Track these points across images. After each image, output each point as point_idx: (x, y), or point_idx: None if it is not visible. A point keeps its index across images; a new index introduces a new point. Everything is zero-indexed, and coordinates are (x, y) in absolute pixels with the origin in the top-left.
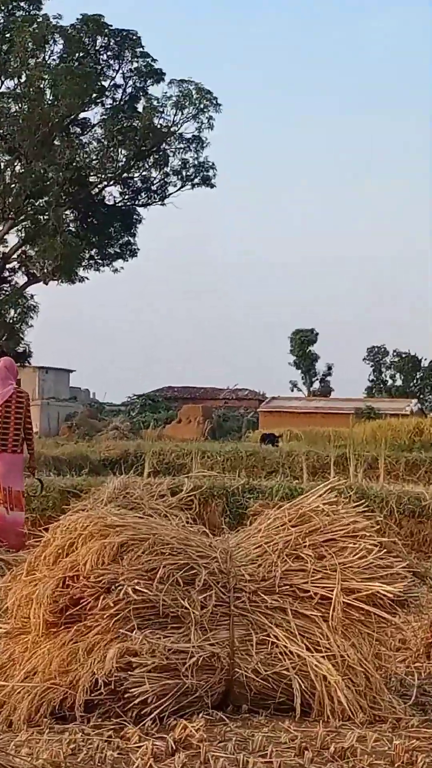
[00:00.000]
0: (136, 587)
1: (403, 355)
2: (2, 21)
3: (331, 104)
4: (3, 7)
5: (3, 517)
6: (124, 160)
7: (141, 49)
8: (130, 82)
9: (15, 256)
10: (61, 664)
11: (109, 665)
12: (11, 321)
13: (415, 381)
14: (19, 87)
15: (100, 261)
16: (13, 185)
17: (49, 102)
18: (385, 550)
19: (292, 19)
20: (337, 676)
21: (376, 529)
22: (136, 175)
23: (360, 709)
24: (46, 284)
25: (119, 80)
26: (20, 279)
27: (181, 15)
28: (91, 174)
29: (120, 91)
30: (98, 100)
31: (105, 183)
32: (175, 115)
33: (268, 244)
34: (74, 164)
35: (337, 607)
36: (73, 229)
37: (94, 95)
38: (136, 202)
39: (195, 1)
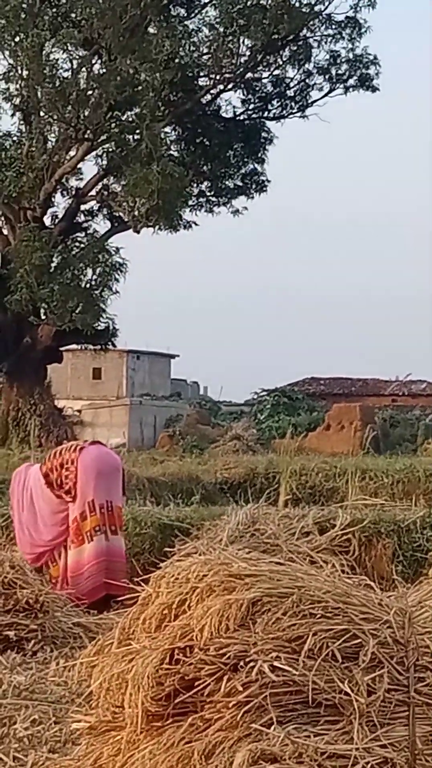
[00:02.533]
0: (275, 663)
1: None
2: None
3: None
4: None
5: (103, 551)
6: (248, 54)
7: None
8: None
9: (94, 192)
10: None
11: None
12: (89, 285)
13: None
14: None
15: (213, 198)
16: (90, 92)
17: None
18: None
19: None
20: None
21: None
22: (265, 75)
23: None
24: (138, 232)
25: None
26: (101, 226)
27: None
28: (201, 75)
29: None
30: None
31: (221, 87)
32: None
33: None
34: (176, 61)
35: None
36: (176, 154)
37: None
38: (266, 114)
39: None
